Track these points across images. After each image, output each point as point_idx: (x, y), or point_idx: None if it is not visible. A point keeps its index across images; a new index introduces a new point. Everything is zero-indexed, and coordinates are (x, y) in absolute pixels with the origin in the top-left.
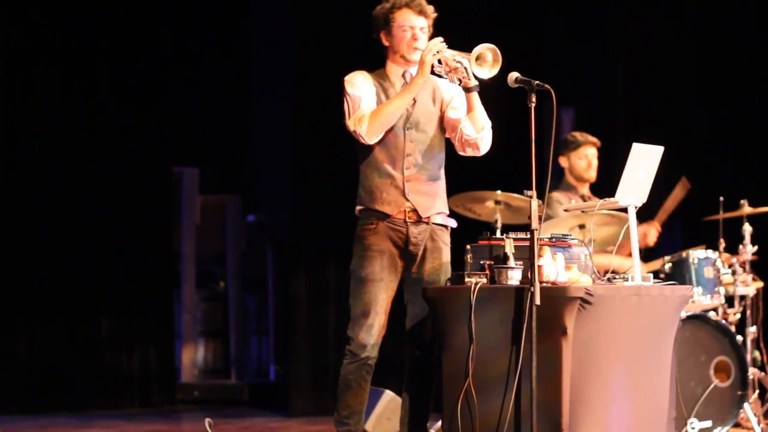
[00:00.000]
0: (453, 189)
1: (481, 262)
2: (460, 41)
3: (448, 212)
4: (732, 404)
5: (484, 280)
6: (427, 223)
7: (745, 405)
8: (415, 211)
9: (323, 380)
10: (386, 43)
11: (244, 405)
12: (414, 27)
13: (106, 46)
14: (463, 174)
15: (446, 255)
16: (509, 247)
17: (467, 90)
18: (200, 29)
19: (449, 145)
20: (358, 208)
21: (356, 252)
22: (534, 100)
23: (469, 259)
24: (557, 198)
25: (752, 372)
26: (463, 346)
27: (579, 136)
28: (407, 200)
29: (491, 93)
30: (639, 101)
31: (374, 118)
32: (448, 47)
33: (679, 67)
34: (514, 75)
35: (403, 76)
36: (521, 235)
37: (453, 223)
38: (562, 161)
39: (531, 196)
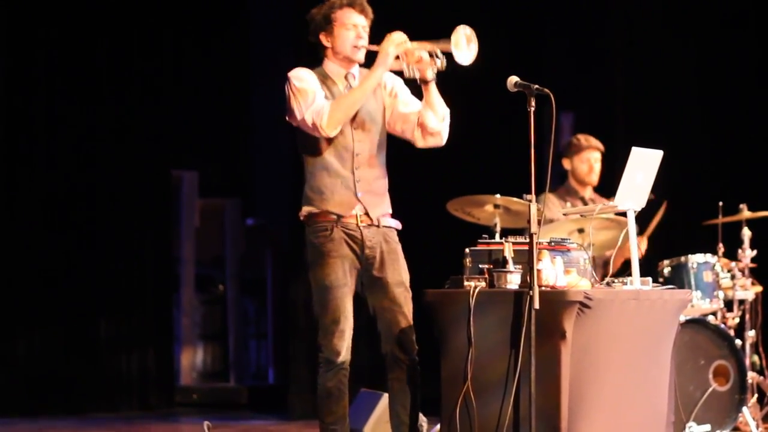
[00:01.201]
0: (452, 193)
1: (480, 266)
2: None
3: (391, 212)
4: (731, 408)
5: (483, 284)
6: (378, 227)
7: (744, 409)
8: (367, 214)
9: None
10: (327, 44)
11: (242, 408)
12: (357, 25)
13: (106, 48)
14: (462, 178)
15: (401, 253)
16: (508, 251)
17: (425, 82)
18: (199, 32)
19: (447, 153)
20: (307, 209)
21: (314, 259)
22: (533, 104)
23: (468, 263)
24: (550, 199)
25: (751, 376)
26: (462, 349)
27: (583, 140)
28: (359, 201)
29: (491, 98)
30: (638, 105)
31: (335, 110)
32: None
33: (678, 71)
34: (513, 79)
35: (346, 78)
36: (520, 239)
37: (398, 225)
38: (566, 163)
39: (530, 201)
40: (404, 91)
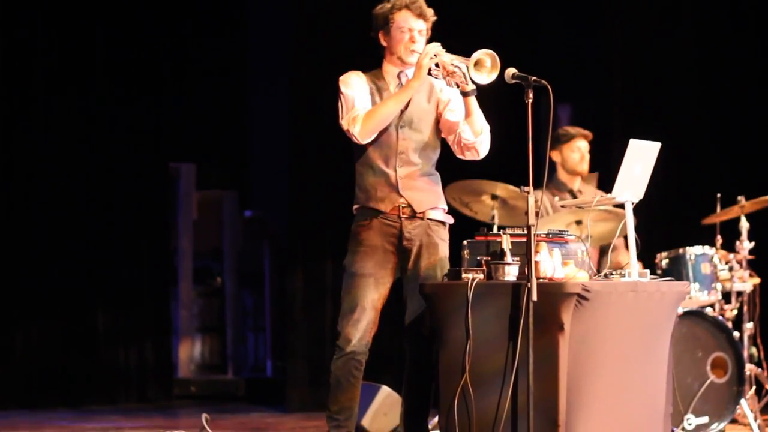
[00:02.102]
0: (449, 183)
1: (478, 258)
2: (457, 39)
3: (446, 209)
4: (729, 400)
5: (481, 276)
6: (422, 219)
7: (742, 401)
8: (409, 206)
9: (320, 376)
10: (384, 44)
11: (240, 400)
12: (412, 29)
13: (103, 41)
14: (460, 170)
15: (443, 251)
16: (506, 243)
17: (464, 94)
18: (197, 25)
19: (447, 148)
20: (355, 206)
21: (350, 248)
22: (531, 96)
23: (466, 255)
24: (544, 200)
25: (749, 368)
26: (460, 341)
27: (571, 129)
28: (401, 196)
29: (488, 89)
30: (636, 97)
31: (368, 119)
32: (447, 50)
33: (676, 62)
34: (511, 71)
35: (399, 77)
36: (518, 231)
37: (450, 219)
38: (554, 156)
39: (528, 192)
40: (456, 101)
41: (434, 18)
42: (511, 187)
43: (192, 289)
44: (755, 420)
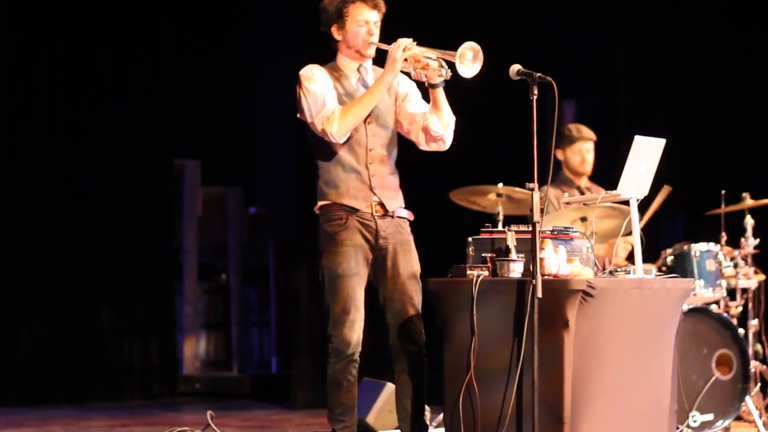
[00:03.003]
0: (455, 182)
1: (483, 255)
2: (462, 36)
3: (404, 206)
4: (734, 397)
5: (486, 273)
6: (393, 217)
7: (747, 398)
8: (381, 204)
9: (325, 372)
10: (338, 37)
11: (245, 397)
12: (369, 21)
13: (108, 38)
14: (465, 167)
15: (413, 245)
16: (511, 240)
17: (433, 86)
18: (201, 20)
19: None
20: (322, 203)
21: (328, 248)
22: (536, 92)
23: (470, 252)
24: (550, 196)
25: (754, 365)
26: (465, 338)
27: (574, 130)
28: (374, 194)
29: (493, 86)
30: (640, 94)
31: (344, 117)
32: (426, 44)
33: (680, 59)
34: (516, 67)
35: (359, 70)
36: (523, 227)
37: (410, 216)
38: (559, 154)
39: (533, 189)
40: (414, 92)
41: (385, 9)
42: (516, 189)
43: (197, 286)
44: (760, 417)
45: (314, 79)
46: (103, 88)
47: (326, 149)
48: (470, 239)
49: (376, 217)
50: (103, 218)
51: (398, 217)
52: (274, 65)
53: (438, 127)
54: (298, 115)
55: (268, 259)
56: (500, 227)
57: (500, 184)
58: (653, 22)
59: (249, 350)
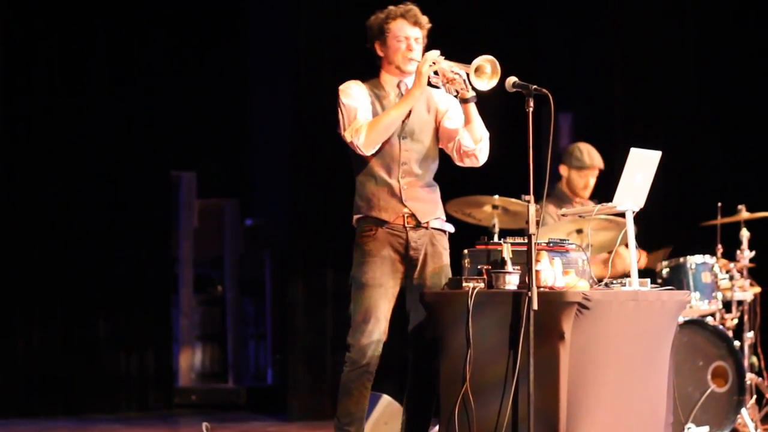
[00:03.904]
0: (450, 194)
1: (479, 267)
2: (457, 47)
3: (444, 218)
4: (729, 409)
5: (482, 285)
6: (426, 228)
7: (743, 410)
8: (413, 216)
9: (321, 384)
10: (381, 54)
11: (241, 409)
12: (409, 38)
13: (104, 49)
14: (461, 178)
15: (446, 258)
16: (507, 252)
17: (464, 101)
18: (198, 32)
19: (446, 156)
20: (356, 217)
21: (356, 258)
22: (532, 104)
23: (466, 264)
24: (549, 211)
25: (749, 377)
26: (461, 350)
27: (587, 157)
28: (405, 206)
29: (488, 97)
30: (637, 106)
31: (371, 129)
32: (446, 58)
33: (677, 71)
34: (512, 79)
35: (398, 86)
36: (519, 239)
37: (451, 228)
38: (563, 170)
39: (529, 201)
40: (454, 109)
41: (429, 25)
42: (512, 200)
43: (192, 297)
44: (756, 429)
45: (350, 94)
46: (100, 101)
47: (362, 165)
48: (466, 251)
49: (407, 229)
50: (100, 229)
51: (433, 228)
52: (271, 77)
53: (469, 142)
54: (338, 131)
55: (264, 271)
56: (496, 239)
57: (496, 196)
58: (649, 33)
59: (245, 362)
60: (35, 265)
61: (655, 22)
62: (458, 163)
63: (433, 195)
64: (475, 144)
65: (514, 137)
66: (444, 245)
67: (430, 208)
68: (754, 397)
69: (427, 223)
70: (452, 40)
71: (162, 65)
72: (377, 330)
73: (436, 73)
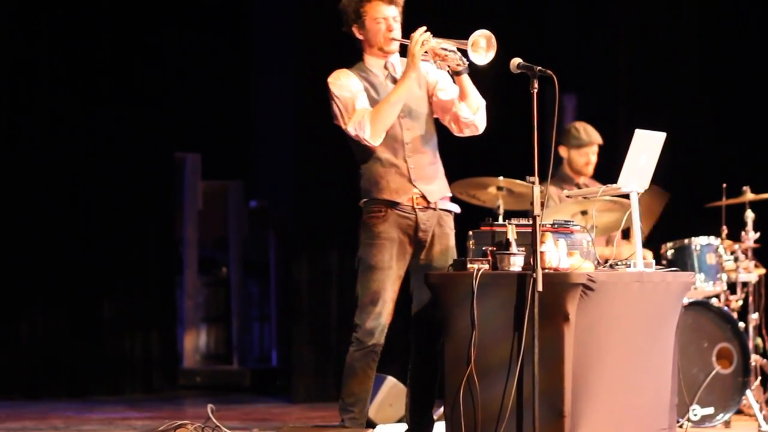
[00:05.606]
0: (455, 175)
1: (484, 248)
2: (463, 29)
3: (450, 195)
4: (734, 391)
5: (487, 267)
6: (434, 209)
7: (747, 392)
8: (423, 197)
9: (325, 366)
10: (360, 37)
11: (246, 391)
12: (387, 18)
13: (109, 31)
14: (465, 160)
15: (452, 239)
16: (511, 233)
17: (457, 74)
18: (202, 13)
19: (448, 138)
20: (364, 200)
21: (364, 240)
22: (536, 86)
23: (471, 245)
24: (551, 193)
25: (754, 359)
26: (465, 332)
27: (582, 133)
28: (414, 186)
29: (493, 78)
30: (641, 87)
31: (375, 120)
32: (436, 35)
33: (681, 53)
34: (516, 61)
35: (386, 67)
36: (524, 221)
37: (456, 209)
38: (562, 151)
39: (533, 182)
40: (444, 80)
41: (402, 2)
42: (517, 181)
43: (197, 279)
44: (761, 411)
45: (341, 85)
46: (104, 82)
47: (365, 149)
48: (471, 233)
49: (417, 210)
50: (104, 212)
51: (440, 209)
52: (275, 58)
53: (467, 113)
54: (333, 121)
55: (269, 253)
56: (501, 221)
57: (501, 177)
58: (654, 15)
59: (249, 344)
60: (39, 248)
61: (659, 4)
62: (457, 134)
63: (438, 171)
64: (473, 114)
65: (519, 118)
66: (450, 226)
67: (438, 188)
68: (759, 378)
69: (435, 203)
70: (458, 23)
71: (166, 47)
72: (385, 312)
73: (425, 52)
